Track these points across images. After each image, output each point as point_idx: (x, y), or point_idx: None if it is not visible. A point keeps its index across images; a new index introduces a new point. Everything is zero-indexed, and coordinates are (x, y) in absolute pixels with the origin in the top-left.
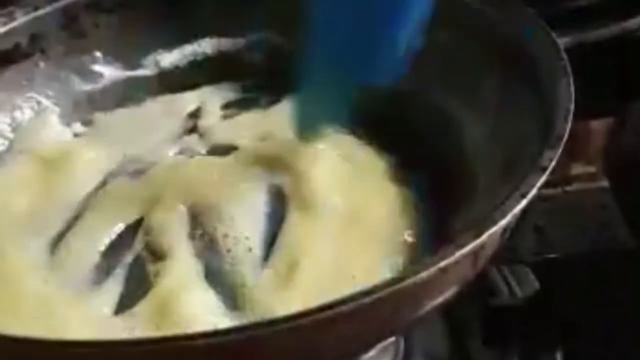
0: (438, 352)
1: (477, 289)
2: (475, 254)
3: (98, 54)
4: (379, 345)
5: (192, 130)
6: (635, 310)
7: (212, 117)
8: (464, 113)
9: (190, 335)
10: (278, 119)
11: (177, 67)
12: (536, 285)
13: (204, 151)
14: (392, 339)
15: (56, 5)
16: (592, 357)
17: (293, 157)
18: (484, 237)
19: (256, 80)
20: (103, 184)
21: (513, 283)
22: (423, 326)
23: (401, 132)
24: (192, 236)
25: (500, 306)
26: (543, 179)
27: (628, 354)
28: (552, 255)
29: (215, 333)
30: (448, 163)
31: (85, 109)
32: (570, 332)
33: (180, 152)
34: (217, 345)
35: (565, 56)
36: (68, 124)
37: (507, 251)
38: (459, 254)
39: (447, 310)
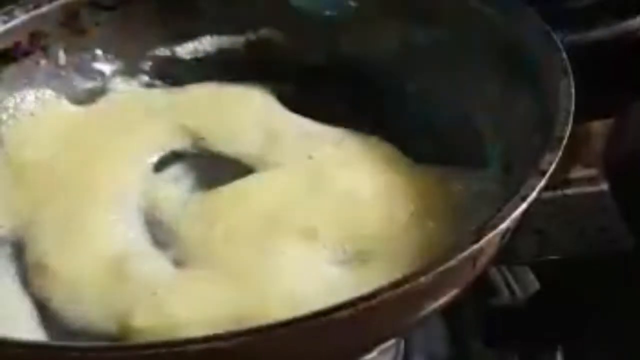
0: (438, 352)
1: (477, 289)
2: (474, 257)
3: (99, 51)
4: (379, 347)
5: None
6: (635, 310)
7: None
8: (466, 113)
9: (183, 341)
10: None
11: (177, 65)
12: (536, 285)
13: None
14: (393, 340)
15: (56, 3)
16: (592, 357)
17: None
18: (484, 241)
19: (257, 78)
20: None
21: (513, 283)
22: (423, 327)
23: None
24: None
25: (500, 306)
26: (543, 182)
27: (628, 354)
28: (552, 257)
29: (210, 338)
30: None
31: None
32: (570, 332)
33: None
34: (212, 351)
35: (565, 56)
36: None
37: (507, 253)
38: (458, 258)
39: (447, 310)
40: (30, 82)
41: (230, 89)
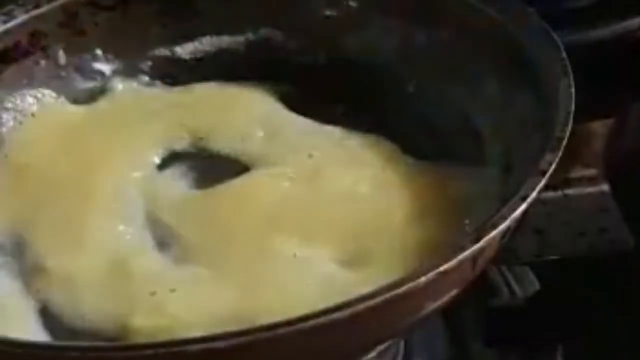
0: (438, 352)
1: (477, 289)
2: (474, 257)
3: (99, 51)
4: (379, 347)
5: None
6: (635, 310)
7: None
8: (465, 113)
9: (182, 341)
10: None
11: (177, 65)
12: (536, 285)
13: None
14: (392, 340)
15: (55, 3)
16: (592, 357)
17: None
18: (484, 241)
19: (257, 78)
20: None
21: (513, 283)
22: (423, 327)
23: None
24: None
25: (500, 306)
26: (543, 182)
27: (628, 354)
28: (552, 257)
29: (209, 338)
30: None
31: None
32: (570, 332)
33: None
34: (211, 351)
35: (565, 56)
36: None
37: (507, 253)
38: (458, 258)
39: (447, 310)
40: (30, 82)
41: (230, 89)
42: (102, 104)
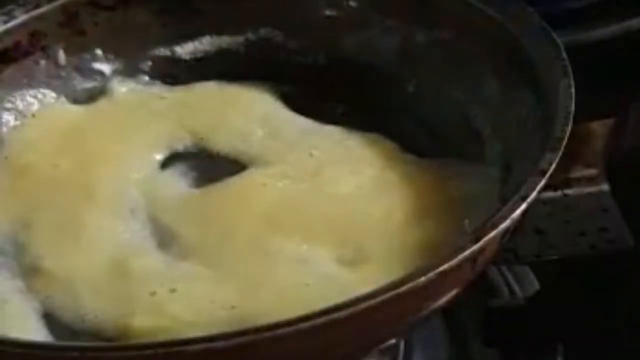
0: (438, 352)
1: (477, 289)
2: (474, 257)
3: (99, 51)
4: (379, 347)
5: None
6: (635, 310)
7: None
8: (465, 113)
9: (182, 341)
10: None
11: (177, 65)
12: (536, 285)
13: None
14: (392, 340)
15: (56, 3)
16: (592, 357)
17: None
18: (484, 241)
19: (257, 77)
20: None
21: (513, 283)
22: (423, 327)
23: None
24: None
25: (500, 306)
26: (543, 182)
27: (628, 354)
28: (552, 257)
29: (209, 338)
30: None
31: None
32: (570, 332)
33: None
34: (211, 351)
35: (565, 56)
36: None
37: (508, 253)
38: (458, 258)
39: (447, 310)
40: (30, 82)
41: (230, 89)
42: (102, 104)
